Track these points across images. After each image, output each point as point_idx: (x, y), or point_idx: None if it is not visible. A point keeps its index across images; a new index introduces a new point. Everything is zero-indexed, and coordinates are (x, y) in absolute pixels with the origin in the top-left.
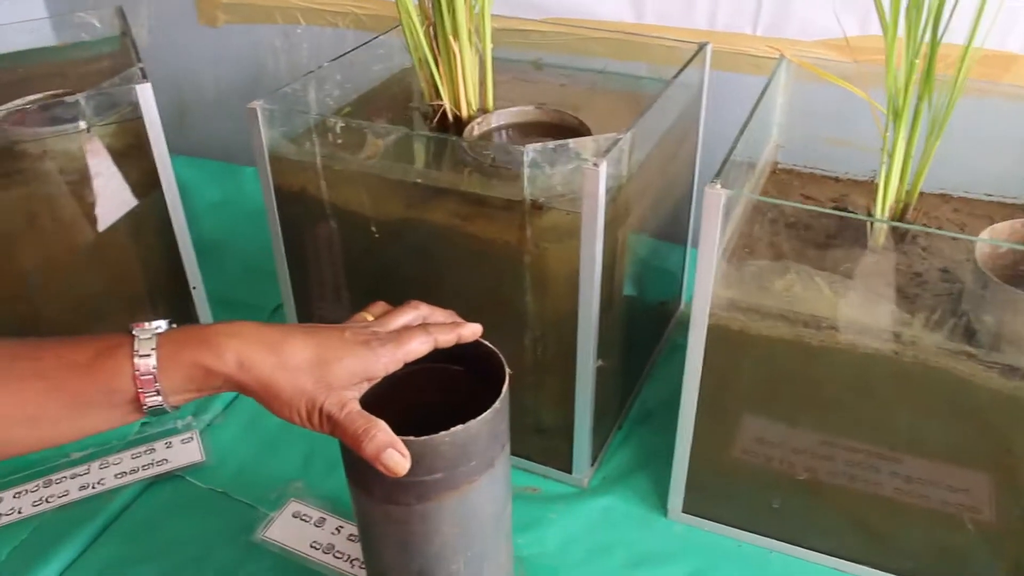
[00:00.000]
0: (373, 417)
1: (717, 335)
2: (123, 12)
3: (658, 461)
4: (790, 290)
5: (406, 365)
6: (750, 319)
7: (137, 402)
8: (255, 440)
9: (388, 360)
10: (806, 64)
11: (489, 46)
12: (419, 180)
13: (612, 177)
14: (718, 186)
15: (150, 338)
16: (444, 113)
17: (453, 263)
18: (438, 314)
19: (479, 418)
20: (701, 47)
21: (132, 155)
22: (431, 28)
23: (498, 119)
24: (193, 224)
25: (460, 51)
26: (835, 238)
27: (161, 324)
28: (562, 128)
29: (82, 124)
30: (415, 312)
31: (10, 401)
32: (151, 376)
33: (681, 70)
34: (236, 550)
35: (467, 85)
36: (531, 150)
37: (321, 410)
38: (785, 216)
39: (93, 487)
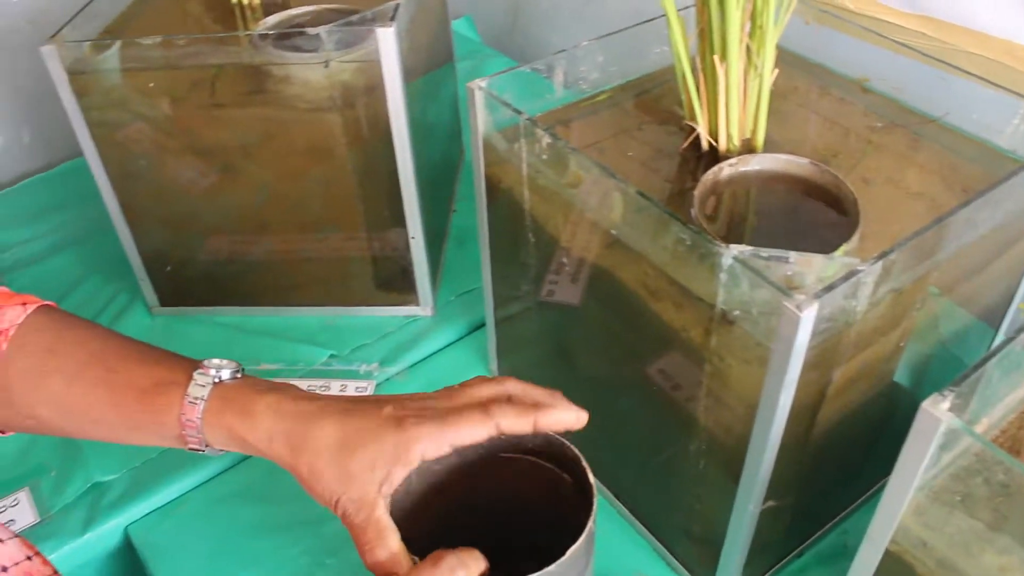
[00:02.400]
0: (386, 530)
1: (893, 565)
2: None
3: None
4: (1004, 574)
5: (501, 452)
6: (940, 572)
7: (181, 440)
8: None
9: (426, 444)
10: None
11: (770, 74)
12: (613, 232)
13: (832, 317)
14: (944, 406)
15: (205, 386)
16: (699, 139)
17: (633, 331)
18: (533, 393)
19: None
20: None
21: (372, 94)
22: (702, 33)
23: (757, 165)
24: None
25: (726, 76)
26: None
27: (224, 372)
28: (831, 200)
29: (322, 57)
30: (497, 388)
31: (81, 400)
32: (195, 425)
33: None
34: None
35: (729, 116)
36: (734, 254)
37: (337, 505)
38: None
39: None
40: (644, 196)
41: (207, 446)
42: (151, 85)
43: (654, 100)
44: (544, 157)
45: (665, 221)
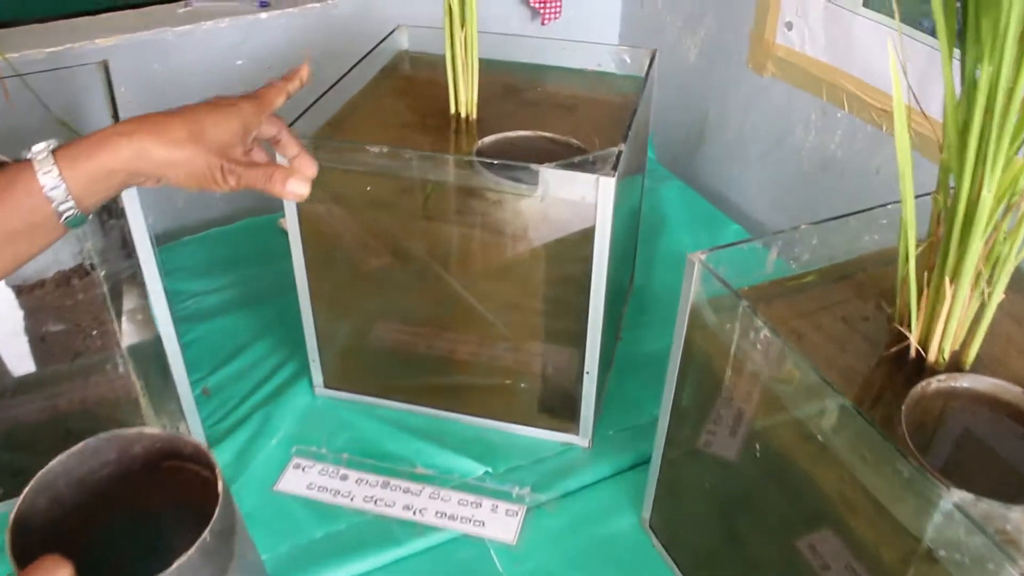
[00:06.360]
0: (267, 163)
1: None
2: (653, 57)
3: None
4: None
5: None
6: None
7: (55, 216)
8: (568, 549)
9: (250, 108)
10: None
11: (997, 300)
12: (817, 435)
13: None
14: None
15: (46, 157)
16: (903, 339)
17: (814, 527)
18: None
19: None
20: None
21: (581, 231)
22: (932, 245)
23: (967, 383)
24: (649, 268)
25: (953, 298)
26: None
27: (43, 144)
28: None
29: (538, 192)
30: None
31: None
32: (60, 187)
33: None
34: None
35: (946, 332)
36: (955, 500)
37: (222, 169)
38: None
39: (414, 513)
40: (862, 416)
41: (78, 207)
42: (368, 188)
43: (858, 287)
44: (758, 347)
45: (885, 448)
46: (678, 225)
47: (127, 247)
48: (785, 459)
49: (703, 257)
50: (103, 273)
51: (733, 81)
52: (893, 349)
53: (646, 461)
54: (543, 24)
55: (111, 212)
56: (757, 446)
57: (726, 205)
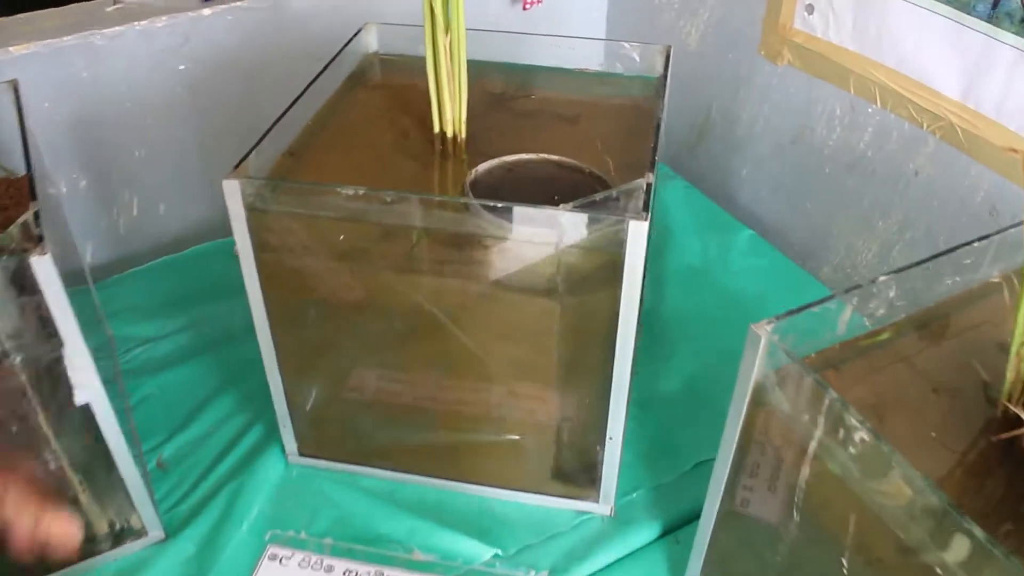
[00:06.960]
0: None
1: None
2: (668, 56)
3: None
4: None
5: None
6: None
7: None
8: None
9: None
10: None
11: None
12: (935, 567)
13: None
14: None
15: None
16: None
17: None
18: None
19: None
20: None
21: (603, 281)
22: None
23: None
24: (659, 285)
25: None
26: None
27: None
28: None
29: (552, 238)
30: None
31: None
32: None
33: None
34: None
35: None
36: None
37: None
38: None
39: None
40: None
41: None
42: (341, 237)
43: (944, 345)
44: (850, 449)
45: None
46: (684, 231)
47: (49, 325)
48: None
49: (770, 327)
50: (20, 359)
51: (743, 70)
52: (1004, 436)
53: (678, 527)
54: (525, 9)
55: (23, 288)
56: (844, 562)
57: (735, 207)
